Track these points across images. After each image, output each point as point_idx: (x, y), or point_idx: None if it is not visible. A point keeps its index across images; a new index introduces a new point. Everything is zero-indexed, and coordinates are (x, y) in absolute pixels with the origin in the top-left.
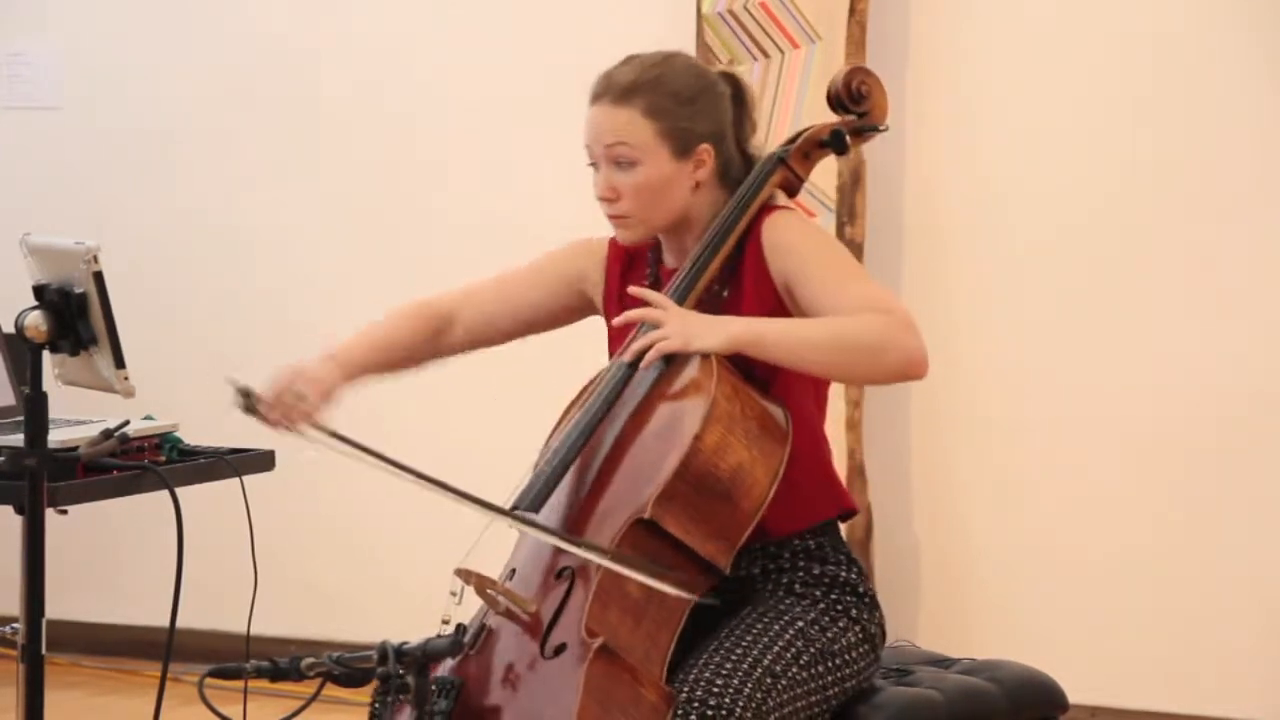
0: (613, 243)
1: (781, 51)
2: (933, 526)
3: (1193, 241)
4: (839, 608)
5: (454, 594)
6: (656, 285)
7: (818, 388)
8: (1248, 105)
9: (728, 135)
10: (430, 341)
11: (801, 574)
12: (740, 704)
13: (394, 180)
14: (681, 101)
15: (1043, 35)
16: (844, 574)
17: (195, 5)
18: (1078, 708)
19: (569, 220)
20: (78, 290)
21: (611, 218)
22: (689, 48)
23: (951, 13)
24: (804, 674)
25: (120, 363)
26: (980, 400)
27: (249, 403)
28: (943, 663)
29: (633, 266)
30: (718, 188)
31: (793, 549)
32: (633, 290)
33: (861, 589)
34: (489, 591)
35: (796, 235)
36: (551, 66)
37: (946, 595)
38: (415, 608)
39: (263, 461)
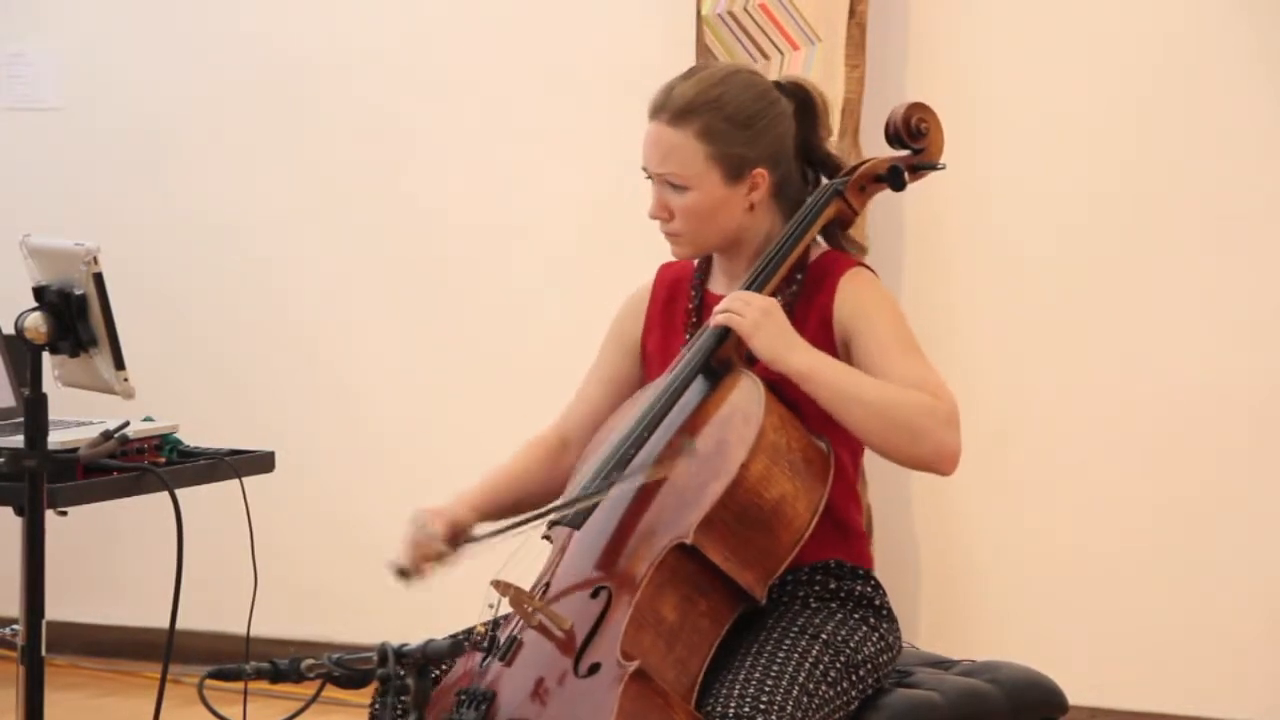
0: (658, 277)
1: (781, 53)
2: (933, 526)
3: (1193, 242)
4: (856, 616)
5: (491, 606)
6: (701, 312)
7: (855, 456)
8: (1248, 105)
9: (786, 154)
10: (551, 470)
11: (818, 589)
12: None
13: (394, 181)
14: (738, 125)
15: (1043, 36)
16: (860, 587)
17: (195, 6)
18: (1078, 709)
19: (569, 219)
20: (77, 291)
21: (665, 234)
22: (688, 49)
23: (951, 14)
24: (832, 690)
25: (120, 364)
26: (980, 400)
27: (404, 577)
28: (942, 664)
29: (675, 297)
30: (774, 207)
31: (811, 564)
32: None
33: (879, 602)
34: (524, 606)
35: (872, 295)
36: (551, 67)
37: (946, 596)
38: (415, 608)
39: (263, 462)
